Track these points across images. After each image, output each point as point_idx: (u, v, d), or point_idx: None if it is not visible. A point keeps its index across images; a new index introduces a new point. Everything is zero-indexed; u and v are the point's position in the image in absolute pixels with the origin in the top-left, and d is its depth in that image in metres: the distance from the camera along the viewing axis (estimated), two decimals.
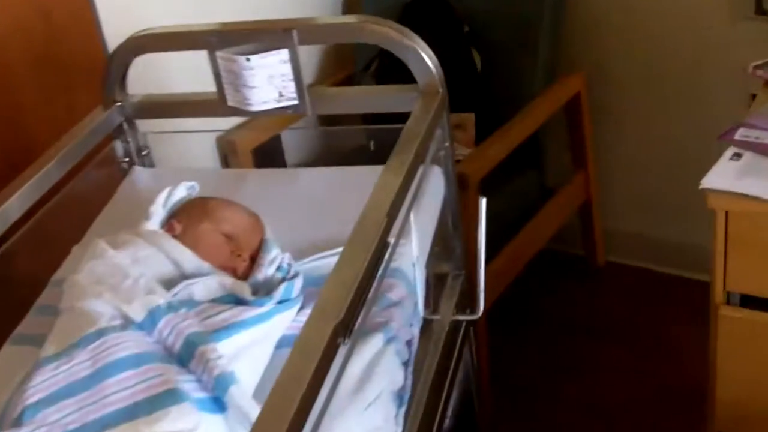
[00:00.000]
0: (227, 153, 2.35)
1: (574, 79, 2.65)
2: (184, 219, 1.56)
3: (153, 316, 1.32)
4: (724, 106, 2.47)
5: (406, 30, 1.62)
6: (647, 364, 2.51)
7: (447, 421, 1.64)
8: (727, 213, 1.66)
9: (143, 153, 1.92)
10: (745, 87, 2.13)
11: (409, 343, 1.47)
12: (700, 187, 1.65)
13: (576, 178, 2.78)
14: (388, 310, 1.44)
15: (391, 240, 1.31)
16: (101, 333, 1.30)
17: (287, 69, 1.63)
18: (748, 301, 1.75)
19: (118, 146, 1.90)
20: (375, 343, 1.38)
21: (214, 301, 1.40)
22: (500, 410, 2.34)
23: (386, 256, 1.29)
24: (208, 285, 1.41)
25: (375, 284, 1.25)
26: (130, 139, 1.88)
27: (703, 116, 2.59)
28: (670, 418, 2.30)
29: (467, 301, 1.79)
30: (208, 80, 1.71)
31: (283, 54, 1.62)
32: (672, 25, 2.57)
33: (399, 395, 1.40)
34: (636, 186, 2.88)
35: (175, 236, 1.52)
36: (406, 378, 1.43)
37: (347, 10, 2.83)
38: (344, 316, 1.11)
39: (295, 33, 1.60)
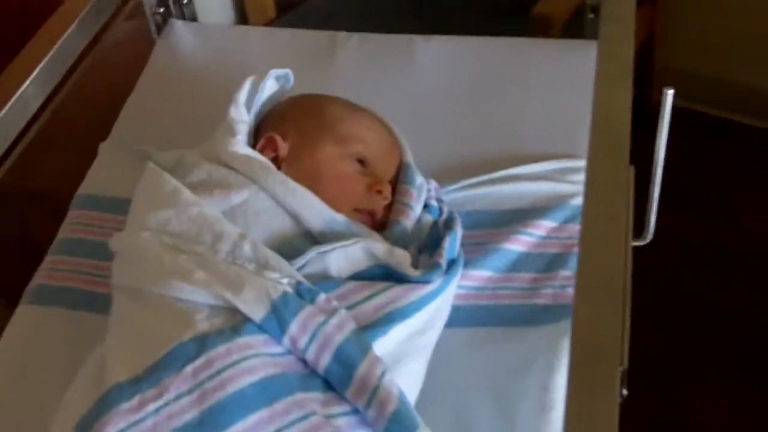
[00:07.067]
0: None
1: None
2: (292, 132, 1.06)
3: (280, 312, 0.86)
4: None
5: None
6: (703, 226, 2.14)
7: None
8: None
9: (182, 0, 1.40)
10: None
11: None
12: None
13: (641, 11, 2.42)
14: None
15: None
16: (203, 343, 0.84)
17: None
18: None
19: None
20: None
21: (357, 276, 0.95)
22: None
23: None
24: (351, 254, 0.94)
25: None
26: None
27: None
28: (731, 293, 1.95)
29: None
30: None
31: None
32: None
33: None
34: (707, 23, 2.50)
35: (276, 159, 1.03)
36: None
37: None
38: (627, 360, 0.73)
39: None
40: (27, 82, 1.10)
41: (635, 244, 1.31)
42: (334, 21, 1.99)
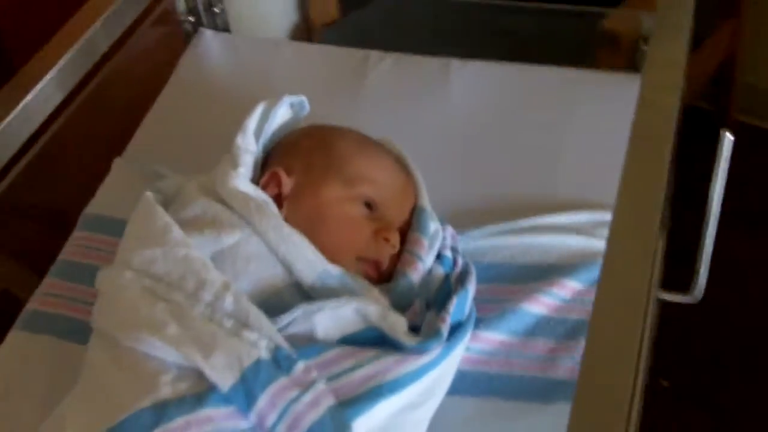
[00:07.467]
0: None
1: None
2: (298, 168, 0.97)
3: (248, 383, 0.78)
4: None
5: None
6: None
7: None
8: None
9: (215, 9, 1.33)
10: None
11: None
12: None
13: (724, 27, 2.29)
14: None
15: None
16: (162, 413, 0.77)
17: None
18: None
19: None
20: None
21: (347, 339, 0.86)
22: None
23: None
24: (341, 315, 0.86)
25: None
26: None
27: None
28: None
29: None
30: None
31: None
32: None
33: None
34: None
35: (279, 197, 0.96)
36: None
37: None
38: None
39: None
40: (45, 80, 1.04)
41: (683, 301, 1.20)
42: (398, 22, 1.91)
